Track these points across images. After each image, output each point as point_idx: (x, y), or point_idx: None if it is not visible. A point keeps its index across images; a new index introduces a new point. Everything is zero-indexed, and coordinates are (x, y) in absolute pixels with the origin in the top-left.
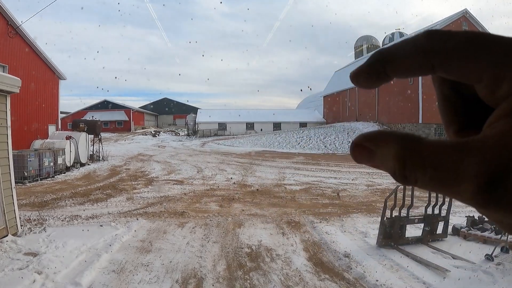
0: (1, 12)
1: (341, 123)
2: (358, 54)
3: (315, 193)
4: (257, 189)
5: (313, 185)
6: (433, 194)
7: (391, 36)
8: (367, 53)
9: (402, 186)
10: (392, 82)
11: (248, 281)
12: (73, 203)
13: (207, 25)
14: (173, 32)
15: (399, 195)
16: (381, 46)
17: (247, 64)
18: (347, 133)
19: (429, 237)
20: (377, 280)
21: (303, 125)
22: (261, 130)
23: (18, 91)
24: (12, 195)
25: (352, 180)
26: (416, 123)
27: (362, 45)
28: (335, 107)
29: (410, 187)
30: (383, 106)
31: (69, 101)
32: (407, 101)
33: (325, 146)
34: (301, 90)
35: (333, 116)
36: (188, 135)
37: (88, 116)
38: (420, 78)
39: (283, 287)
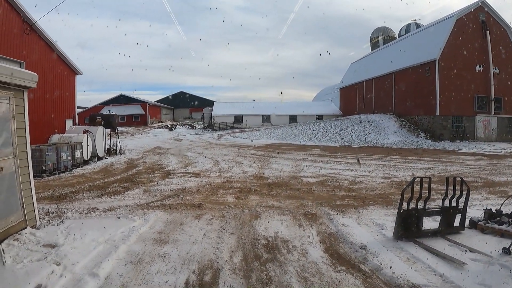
0: (16, 10)
1: (358, 115)
2: (374, 45)
3: (332, 185)
4: (274, 181)
5: (330, 177)
6: (451, 187)
7: (407, 27)
8: (383, 44)
9: (419, 178)
10: (409, 74)
11: (265, 272)
12: (91, 196)
13: (222, 19)
14: (188, 27)
15: (416, 187)
16: (397, 37)
17: (262, 57)
18: (364, 125)
19: (446, 230)
20: (393, 272)
21: (319, 117)
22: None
23: (35, 85)
24: (31, 188)
25: (369, 172)
26: (433, 116)
27: (378, 37)
28: (351, 99)
29: (427, 179)
30: (400, 98)
31: (86, 97)
32: (424, 93)
33: (341, 139)
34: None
35: (350, 108)
36: (204, 128)
37: (105, 111)
38: (437, 69)
39: (299, 278)
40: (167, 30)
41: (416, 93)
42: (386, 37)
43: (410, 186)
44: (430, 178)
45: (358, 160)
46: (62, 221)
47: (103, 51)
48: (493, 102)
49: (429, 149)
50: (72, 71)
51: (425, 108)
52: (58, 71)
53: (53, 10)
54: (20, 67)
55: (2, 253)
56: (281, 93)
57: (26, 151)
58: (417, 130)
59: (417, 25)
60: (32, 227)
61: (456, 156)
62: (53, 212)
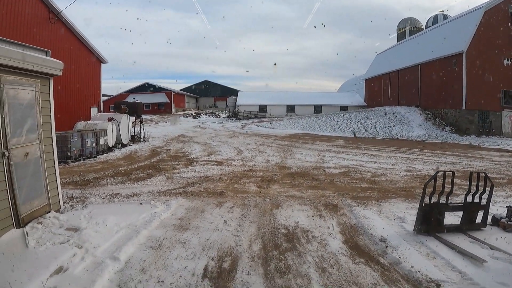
0: (42, 0)
1: (383, 107)
2: (400, 36)
3: (354, 177)
4: (296, 171)
5: (353, 168)
6: (474, 182)
7: (434, 18)
8: (410, 35)
9: (442, 172)
10: (435, 66)
11: (283, 261)
12: (114, 182)
13: (246, 8)
14: (212, 15)
15: (439, 181)
16: (424, 28)
17: (286, 47)
18: (389, 118)
19: (467, 226)
20: (412, 266)
21: (344, 108)
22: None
23: (60, 73)
24: (55, 173)
25: (392, 165)
26: (459, 109)
27: (405, 28)
28: (376, 91)
29: (451, 173)
30: (426, 91)
31: (111, 85)
32: (450, 86)
33: (365, 130)
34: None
35: (375, 100)
36: (228, 117)
37: (130, 99)
38: (464, 62)
39: (317, 268)
40: (191, 20)
41: (442, 86)
42: (413, 28)
43: (433, 180)
44: (453, 173)
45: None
46: (85, 206)
47: (128, 39)
48: None
49: (454, 144)
50: (98, 59)
51: (451, 101)
52: (83, 59)
53: (78, 0)
54: (46, 56)
55: (26, 236)
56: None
57: (51, 137)
58: (443, 123)
59: (445, 16)
60: (56, 211)
61: (481, 152)
62: (77, 197)
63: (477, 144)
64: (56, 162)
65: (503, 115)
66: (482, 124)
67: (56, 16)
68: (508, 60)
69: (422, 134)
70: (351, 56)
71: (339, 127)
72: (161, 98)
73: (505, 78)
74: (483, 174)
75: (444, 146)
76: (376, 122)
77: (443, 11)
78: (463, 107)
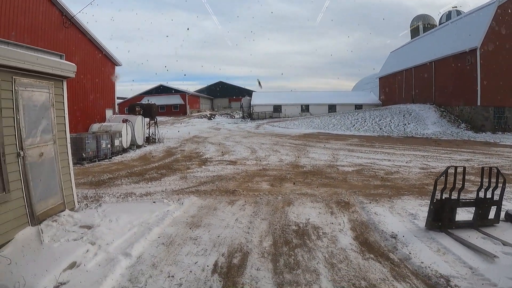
0: (55, 5)
1: (397, 105)
2: (414, 33)
3: (368, 175)
4: (310, 170)
5: (366, 166)
6: (486, 178)
7: (447, 14)
8: (423, 32)
9: (454, 168)
10: (449, 62)
11: (293, 257)
12: (129, 182)
13: (259, 8)
14: (225, 16)
15: (451, 178)
16: (437, 25)
17: (300, 46)
18: (403, 115)
19: (479, 222)
20: (422, 262)
21: (358, 107)
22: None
23: (73, 75)
24: (70, 173)
25: (406, 162)
26: (474, 106)
27: (418, 24)
28: (391, 89)
29: (462, 168)
30: (440, 88)
31: (125, 87)
32: (465, 82)
33: (380, 129)
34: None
35: (389, 98)
36: (243, 117)
37: (144, 101)
38: (478, 58)
39: (326, 264)
40: (204, 21)
41: (457, 83)
42: (426, 25)
43: (444, 175)
44: (464, 168)
45: (259, 82)
46: (99, 204)
47: (143, 42)
48: None
49: (469, 141)
50: (112, 62)
51: (466, 98)
52: (97, 62)
53: (93, 3)
54: (61, 59)
55: (41, 233)
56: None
57: (66, 138)
58: (458, 121)
59: (458, 12)
60: (70, 209)
61: (496, 148)
62: (91, 197)
63: (492, 141)
64: (71, 162)
65: None
66: (498, 121)
67: (69, 20)
68: None
69: (437, 131)
70: (366, 55)
71: (354, 125)
72: (175, 100)
73: None
74: (495, 170)
75: (459, 143)
76: (390, 120)
77: (456, 7)
78: (478, 103)
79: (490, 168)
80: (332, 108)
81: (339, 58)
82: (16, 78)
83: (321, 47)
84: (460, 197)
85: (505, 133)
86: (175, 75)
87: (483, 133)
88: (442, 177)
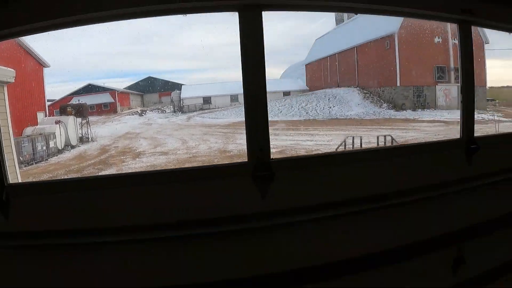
0: None
1: (323, 89)
2: (338, 21)
3: (289, 154)
4: (236, 154)
5: (289, 147)
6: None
7: None
8: (348, 19)
9: (351, 138)
10: (370, 47)
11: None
12: None
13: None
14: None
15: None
16: None
17: (228, 36)
18: (328, 99)
19: None
20: None
21: (286, 94)
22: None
23: (13, 80)
24: (17, 178)
25: (328, 141)
26: (394, 87)
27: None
28: (317, 75)
29: (359, 138)
30: (363, 71)
31: (55, 89)
32: (385, 65)
33: (306, 113)
34: None
35: (315, 84)
36: (174, 111)
37: (74, 101)
38: (396, 41)
39: None
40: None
41: (378, 66)
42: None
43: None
44: (361, 137)
45: None
46: None
47: (70, 41)
48: (452, 72)
49: (391, 119)
50: (40, 64)
51: (387, 79)
52: (25, 65)
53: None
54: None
55: None
56: None
57: (10, 145)
58: (380, 101)
59: None
60: None
61: (414, 124)
62: None
63: (412, 118)
64: (17, 167)
65: (436, 89)
66: (417, 99)
67: None
68: (439, 38)
69: (361, 112)
70: (294, 42)
71: (281, 112)
72: (105, 98)
73: (436, 55)
74: (390, 137)
75: (381, 121)
76: (316, 105)
77: None
78: (398, 84)
79: (385, 136)
80: None
81: (268, 47)
82: None
83: None
84: None
85: (425, 109)
86: (105, 73)
87: (404, 111)
88: (341, 146)
